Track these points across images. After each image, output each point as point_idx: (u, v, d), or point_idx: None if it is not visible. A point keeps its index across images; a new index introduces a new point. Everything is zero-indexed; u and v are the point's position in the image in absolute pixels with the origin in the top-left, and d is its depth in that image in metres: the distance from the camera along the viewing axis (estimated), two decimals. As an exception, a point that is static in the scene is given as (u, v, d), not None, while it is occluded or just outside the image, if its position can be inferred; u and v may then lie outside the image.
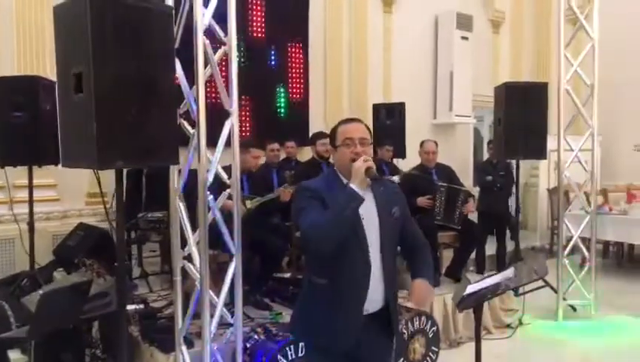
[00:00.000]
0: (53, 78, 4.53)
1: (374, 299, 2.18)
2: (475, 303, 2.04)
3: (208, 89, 3.12)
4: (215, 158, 2.94)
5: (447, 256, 5.77)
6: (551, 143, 5.56)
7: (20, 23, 5.46)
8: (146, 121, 2.45)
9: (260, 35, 7.05)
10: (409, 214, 2.37)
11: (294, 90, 7.42)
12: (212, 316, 2.97)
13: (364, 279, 2.14)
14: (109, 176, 2.68)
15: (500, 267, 6.47)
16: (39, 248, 4.82)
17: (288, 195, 4.84)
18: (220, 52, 3.05)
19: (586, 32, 4.96)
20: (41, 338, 3.11)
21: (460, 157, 8.93)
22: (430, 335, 4.02)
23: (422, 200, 5.17)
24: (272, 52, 7.23)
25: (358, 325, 2.15)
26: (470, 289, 2.17)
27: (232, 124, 3.05)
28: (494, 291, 2.05)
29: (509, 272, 2.22)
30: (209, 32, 2.92)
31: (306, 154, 6.99)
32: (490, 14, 9.80)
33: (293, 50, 7.38)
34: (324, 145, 5.37)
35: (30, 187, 4.58)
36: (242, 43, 6.73)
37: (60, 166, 4.62)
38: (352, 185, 2.05)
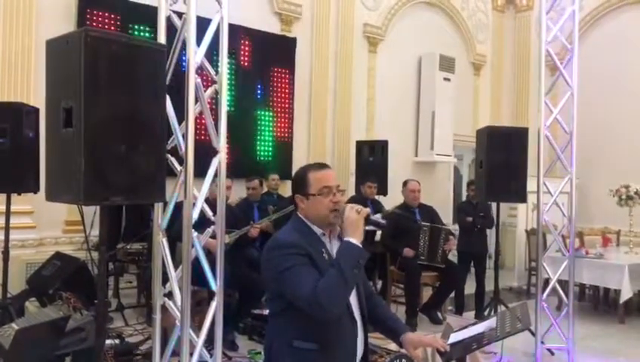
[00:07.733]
0: (37, 105, 4.55)
1: (358, 351, 2.11)
2: (459, 354, 2.04)
3: (196, 125, 3.12)
4: (202, 196, 2.92)
5: (426, 294, 5.78)
6: (529, 185, 5.67)
7: (6, 49, 5.43)
8: (135, 157, 2.44)
9: (247, 69, 7.11)
10: None
11: (279, 125, 7.47)
12: (191, 354, 2.91)
13: (352, 341, 2.06)
14: (90, 206, 2.63)
15: (479, 306, 6.51)
16: (11, 276, 4.69)
17: (256, 232, 4.76)
18: (210, 90, 3.06)
19: (565, 80, 5.10)
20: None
21: (440, 195, 9.03)
22: (410, 378, 3.99)
23: (408, 251, 5.19)
24: (259, 86, 7.29)
25: None
26: (453, 338, 2.16)
27: (219, 162, 3.05)
28: (480, 342, 2.05)
29: (492, 322, 2.22)
30: (199, 69, 2.93)
31: (288, 188, 7.00)
32: (472, 57, 10.07)
33: (280, 85, 7.46)
34: None
35: (7, 215, 4.48)
36: (232, 77, 6.79)
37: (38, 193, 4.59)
38: (353, 240, 1.93)
